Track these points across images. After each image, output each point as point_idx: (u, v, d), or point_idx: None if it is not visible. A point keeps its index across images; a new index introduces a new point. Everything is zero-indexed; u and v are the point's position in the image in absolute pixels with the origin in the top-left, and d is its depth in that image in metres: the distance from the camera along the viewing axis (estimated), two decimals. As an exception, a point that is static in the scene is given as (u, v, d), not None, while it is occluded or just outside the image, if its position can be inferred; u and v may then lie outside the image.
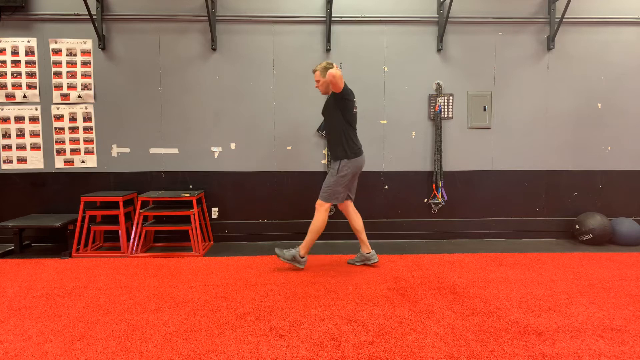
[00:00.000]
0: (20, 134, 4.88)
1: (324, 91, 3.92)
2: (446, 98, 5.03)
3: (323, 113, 4.05)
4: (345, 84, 3.74)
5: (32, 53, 4.82)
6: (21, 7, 4.72)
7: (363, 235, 4.06)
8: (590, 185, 5.14)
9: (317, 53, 4.96)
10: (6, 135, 4.88)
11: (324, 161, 5.02)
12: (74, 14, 4.77)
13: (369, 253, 4.04)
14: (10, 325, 2.78)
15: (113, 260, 4.28)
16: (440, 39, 4.94)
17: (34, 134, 4.89)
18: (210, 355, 2.37)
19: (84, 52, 4.85)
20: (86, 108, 4.90)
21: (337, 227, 5.00)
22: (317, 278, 3.67)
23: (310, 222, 3.95)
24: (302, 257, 3.90)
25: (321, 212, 3.87)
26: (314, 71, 3.92)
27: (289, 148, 4.96)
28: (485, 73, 5.03)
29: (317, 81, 3.91)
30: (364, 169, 5.00)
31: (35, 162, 4.91)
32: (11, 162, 4.90)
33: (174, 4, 4.85)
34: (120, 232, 4.54)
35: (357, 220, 4.07)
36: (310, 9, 4.91)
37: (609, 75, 5.05)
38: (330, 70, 3.63)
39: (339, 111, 3.83)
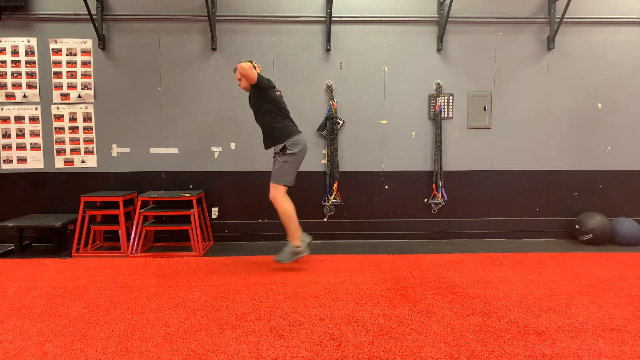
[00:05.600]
0: (20, 134, 4.88)
1: (245, 87, 3.89)
2: (446, 98, 5.03)
3: (250, 105, 4.04)
4: (259, 75, 3.77)
5: (32, 53, 4.82)
6: (21, 7, 4.71)
7: (293, 226, 3.93)
8: (590, 185, 5.14)
9: (317, 53, 4.96)
10: (6, 135, 4.88)
11: (324, 161, 5.02)
12: (74, 14, 4.77)
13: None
14: (10, 325, 2.78)
15: (113, 260, 4.28)
16: (440, 38, 4.94)
17: (34, 133, 4.89)
18: (210, 355, 2.37)
19: (84, 52, 4.85)
20: (86, 108, 4.90)
21: (338, 227, 5.01)
22: (317, 278, 3.67)
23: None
24: (299, 247, 3.88)
25: (279, 201, 3.82)
26: (235, 70, 3.92)
27: (289, 148, 4.96)
28: (485, 73, 5.03)
29: (239, 79, 3.90)
30: (364, 169, 5.05)
31: (35, 162, 4.91)
32: (11, 162, 4.90)
33: (174, 4, 4.85)
34: (120, 232, 4.54)
35: (289, 209, 3.90)
36: (310, 9, 4.91)
37: (609, 75, 5.05)
38: (239, 64, 3.71)
39: (262, 100, 3.86)
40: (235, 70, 3.92)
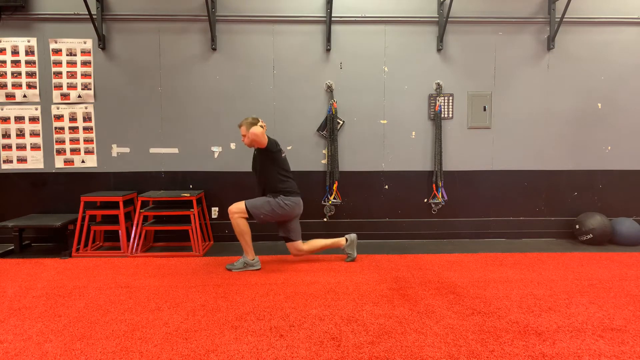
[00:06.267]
0: (20, 134, 4.88)
1: (249, 144, 3.95)
2: (446, 98, 5.03)
3: (253, 167, 4.12)
4: (268, 138, 3.83)
5: (32, 53, 4.82)
6: (21, 7, 4.71)
7: (330, 242, 4.19)
8: (590, 185, 5.13)
9: (317, 53, 4.96)
10: (6, 135, 4.88)
11: (324, 161, 5.02)
12: (74, 14, 4.77)
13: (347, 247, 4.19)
14: (10, 325, 2.78)
15: (113, 260, 4.28)
16: (440, 38, 4.94)
17: (34, 133, 4.89)
18: (210, 355, 2.37)
19: (84, 52, 4.85)
20: (86, 108, 4.90)
21: (338, 227, 5.00)
22: (317, 278, 3.67)
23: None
24: (253, 259, 3.97)
25: (235, 217, 3.91)
26: (240, 126, 3.99)
27: (289, 148, 4.96)
28: (485, 73, 5.03)
29: (243, 135, 3.96)
30: (364, 169, 5.05)
31: (35, 162, 4.91)
32: (11, 162, 4.90)
33: (174, 4, 4.85)
34: (120, 232, 4.53)
35: (314, 244, 4.15)
36: (310, 9, 4.91)
37: (609, 75, 5.05)
38: (251, 129, 3.74)
39: (268, 162, 3.93)
40: (240, 125, 3.98)
